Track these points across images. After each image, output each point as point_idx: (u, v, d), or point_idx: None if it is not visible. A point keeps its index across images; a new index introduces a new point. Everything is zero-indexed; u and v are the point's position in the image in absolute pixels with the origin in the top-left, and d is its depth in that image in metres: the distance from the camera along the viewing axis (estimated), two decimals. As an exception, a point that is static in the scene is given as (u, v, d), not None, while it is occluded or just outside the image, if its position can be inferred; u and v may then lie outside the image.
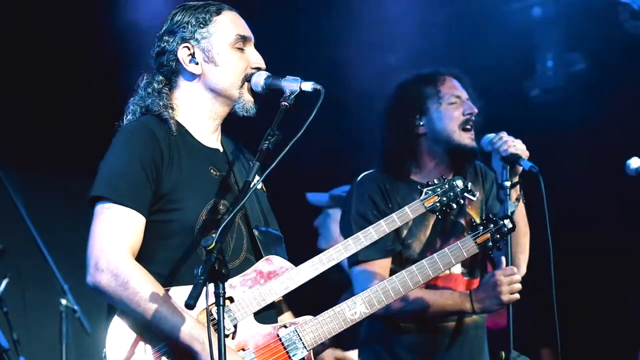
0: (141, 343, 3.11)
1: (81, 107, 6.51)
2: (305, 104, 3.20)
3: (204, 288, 2.86)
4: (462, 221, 4.36)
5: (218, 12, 3.38)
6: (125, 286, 3.07)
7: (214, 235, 2.91)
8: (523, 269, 4.32)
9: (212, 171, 3.34)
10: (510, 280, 4.02)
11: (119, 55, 6.20)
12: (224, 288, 2.89)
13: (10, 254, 6.22)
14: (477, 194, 3.82)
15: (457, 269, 4.33)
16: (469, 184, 3.69)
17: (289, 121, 3.19)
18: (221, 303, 2.88)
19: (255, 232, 3.36)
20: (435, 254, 3.61)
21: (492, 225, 3.74)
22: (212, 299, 2.91)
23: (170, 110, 3.33)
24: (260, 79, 3.33)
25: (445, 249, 3.64)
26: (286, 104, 3.20)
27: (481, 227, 3.73)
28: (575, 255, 6.32)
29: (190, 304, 2.80)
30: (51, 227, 6.53)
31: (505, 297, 4.01)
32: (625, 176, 4.38)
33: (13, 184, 6.26)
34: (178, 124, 3.34)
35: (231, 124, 3.48)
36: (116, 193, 3.15)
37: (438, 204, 3.59)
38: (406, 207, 3.55)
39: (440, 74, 4.47)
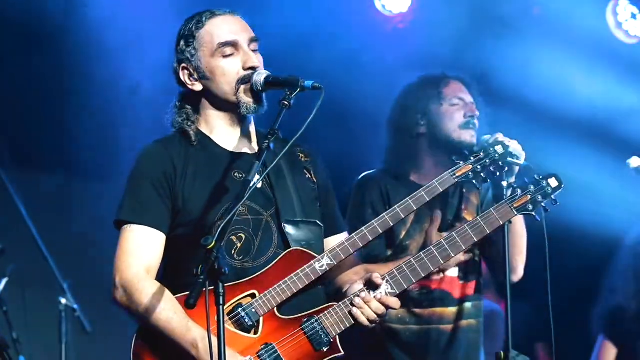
0: (158, 357, 3.20)
1: (82, 107, 6.50)
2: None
3: (204, 287, 2.88)
4: (458, 225, 4.35)
5: (200, 26, 3.41)
6: (131, 299, 3.21)
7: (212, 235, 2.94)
8: (520, 271, 4.33)
9: (235, 175, 3.37)
10: None
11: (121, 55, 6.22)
12: (224, 287, 2.90)
13: (10, 254, 6.21)
14: (522, 157, 3.71)
15: (453, 272, 4.33)
16: (509, 148, 3.57)
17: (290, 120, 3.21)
18: (221, 302, 2.89)
19: (286, 227, 3.37)
20: (466, 224, 3.43)
21: (532, 187, 3.49)
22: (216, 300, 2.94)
23: (190, 123, 3.42)
24: (260, 78, 3.35)
25: (478, 217, 3.44)
26: (286, 103, 3.21)
27: (519, 190, 3.50)
28: (572, 254, 6.35)
29: (191, 304, 2.83)
30: (51, 226, 6.52)
31: None
32: (623, 174, 4.38)
33: (13, 183, 6.26)
34: (200, 134, 3.43)
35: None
36: (131, 214, 3.30)
37: (471, 174, 3.48)
38: (435, 181, 3.44)
39: (446, 77, 4.48)
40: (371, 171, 4.47)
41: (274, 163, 3.15)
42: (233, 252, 3.30)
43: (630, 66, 6.76)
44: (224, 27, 3.42)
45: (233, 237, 3.30)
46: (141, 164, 3.37)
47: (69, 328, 6.20)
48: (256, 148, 3.47)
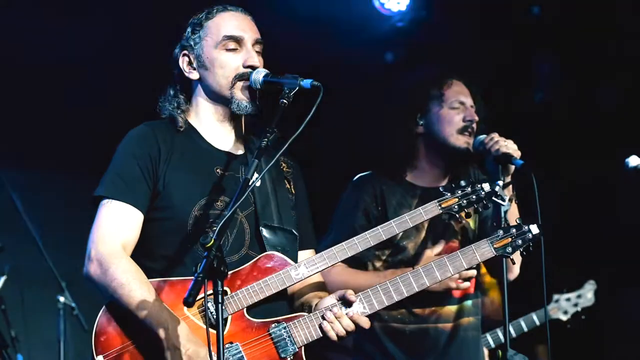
0: (123, 333, 3.17)
1: (80, 105, 6.50)
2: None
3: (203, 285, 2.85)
4: (455, 225, 4.35)
5: (210, 17, 3.45)
6: (106, 273, 3.18)
7: (211, 232, 2.93)
8: (516, 270, 4.31)
9: (217, 171, 3.38)
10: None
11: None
12: (222, 285, 2.89)
13: (9, 252, 6.22)
14: (507, 198, 3.65)
15: None
16: (498, 188, 3.55)
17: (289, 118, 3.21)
18: (220, 300, 2.88)
19: (263, 230, 3.38)
20: (445, 257, 3.44)
21: (514, 230, 3.49)
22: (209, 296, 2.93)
23: (180, 112, 3.44)
24: (259, 77, 3.35)
25: (458, 252, 3.45)
26: (285, 101, 3.21)
27: (501, 231, 3.49)
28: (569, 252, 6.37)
29: (190, 302, 2.80)
30: (49, 224, 6.53)
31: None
32: (617, 173, 4.38)
33: (11, 182, 6.26)
34: (189, 125, 3.44)
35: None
36: (113, 190, 3.29)
37: (456, 207, 3.48)
38: (420, 208, 3.45)
39: (448, 75, 4.44)
40: (366, 172, 4.45)
41: (272, 162, 3.12)
42: None
43: None
44: (233, 22, 3.45)
45: (209, 231, 3.27)
46: (129, 143, 3.36)
47: (67, 326, 6.20)
48: (242, 149, 3.48)
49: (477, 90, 4.45)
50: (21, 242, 6.30)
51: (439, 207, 3.47)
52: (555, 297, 6.15)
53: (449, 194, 3.48)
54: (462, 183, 3.51)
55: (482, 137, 4.22)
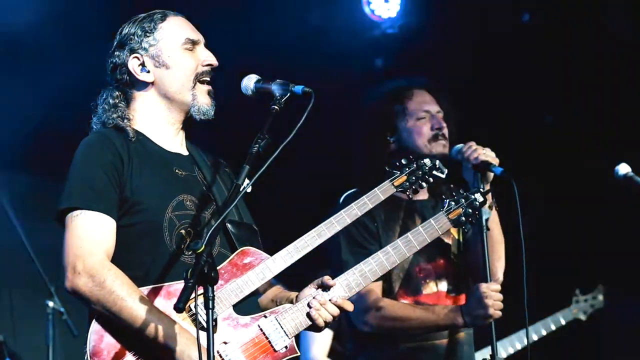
0: (120, 346, 3.13)
1: (71, 108, 6.47)
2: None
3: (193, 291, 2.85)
4: (444, 239, 4.35)
5: (163, 19, 3.45)
6: (101, 286, 3.11)
7: (199, 237, 2.93)
8: (500, 276, 4.30)
9: (176, 171, 3.39)
10: (496, 294, 4.03)
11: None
12: (213, 291, 2.89)
13: (-3, 256, 6.20)
14: (446, 170, 3.78)
15: (443, 287, 4.30)
16: (437, 162, 3.69)
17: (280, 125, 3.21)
18: (210, 306, 2.88)
19: (229, 226, 3.39)
20: (409, 233, 3.58)
21: (463, 200, 3.72)
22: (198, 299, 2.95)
23: (126, 121, 3.39)
24: (250, 83, 3.36)
25: (419, 226, 3.62)
26: (276, 107, 3.22)
27: (453, 203, 3.71)
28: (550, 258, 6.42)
29: (180, 308, 2.82)
30: (38, 228, 6.49)
31: (491, 311, 4.00)
32: (597, 180, 4.40)
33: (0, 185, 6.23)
34: (137, 132, 3.40)
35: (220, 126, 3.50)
36: (84, 200, 3.22)
37: (407, 183, 3.61)
38: (376, 189, 3.54)
39: (408, 88, 4.43)
40: (351, 191, 4.35)
41: (262, 169, 3.10)
42: (183, 246, 3.27)
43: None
44: (187, 25, 3.48)
45: (182, 231, 3.27)
46: (89, 152, 3.31)
47: (56, 331, 6.18)
48: (186, 150, 3.50)
49: (443, 95, 4.44)
50: (10, 246, 6.27)
51: (393, 186, 3.59)
52: (575, 298, 6.64)
53: (398, 172, 3.62)
54: (404, 161, 3.65)
55: (460, 146, 4.21)
